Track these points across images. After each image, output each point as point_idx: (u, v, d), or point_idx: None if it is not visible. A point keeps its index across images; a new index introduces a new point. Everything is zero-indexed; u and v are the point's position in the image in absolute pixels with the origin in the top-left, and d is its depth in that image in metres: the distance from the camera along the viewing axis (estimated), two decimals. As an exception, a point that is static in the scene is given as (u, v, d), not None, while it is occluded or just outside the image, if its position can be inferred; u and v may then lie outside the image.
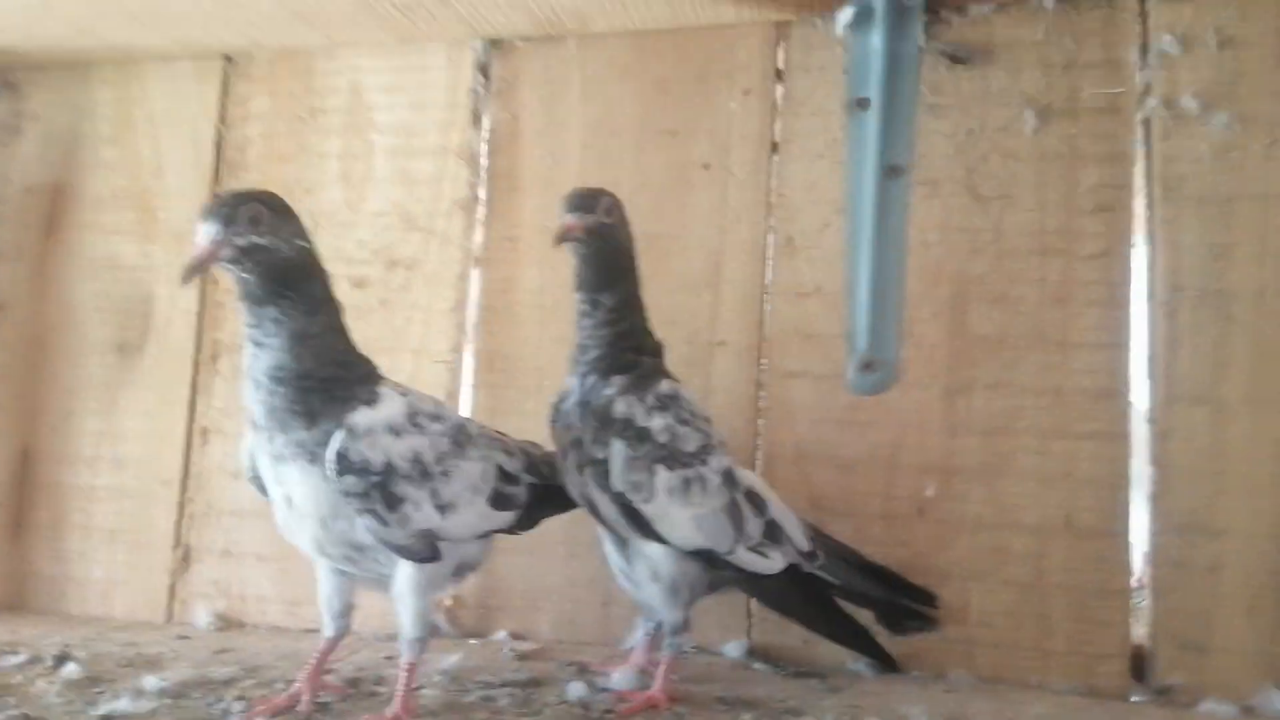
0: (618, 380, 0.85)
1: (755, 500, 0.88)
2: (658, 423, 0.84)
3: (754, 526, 0.87)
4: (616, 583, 0.95)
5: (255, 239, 0.76)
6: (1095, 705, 0.92)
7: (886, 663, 0.98)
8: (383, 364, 1.11)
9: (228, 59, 1.27)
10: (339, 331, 0.82)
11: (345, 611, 0.88)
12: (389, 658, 0.97)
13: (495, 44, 1.20)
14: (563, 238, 0.85)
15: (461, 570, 0.89)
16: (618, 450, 0.83)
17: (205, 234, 0.76)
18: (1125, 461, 1.00)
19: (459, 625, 1.12)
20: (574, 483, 0.87)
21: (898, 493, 1.05)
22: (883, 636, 0.98)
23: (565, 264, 1.12)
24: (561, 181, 1.16)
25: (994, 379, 1.04)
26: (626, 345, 0.86)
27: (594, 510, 0.87)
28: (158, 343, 1.23)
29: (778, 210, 1.12)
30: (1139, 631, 0.99)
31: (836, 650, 1.01)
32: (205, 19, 1.17)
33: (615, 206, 0.87)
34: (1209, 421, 0.99)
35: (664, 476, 0.83)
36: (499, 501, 0.86)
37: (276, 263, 0.77)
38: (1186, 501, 0.98)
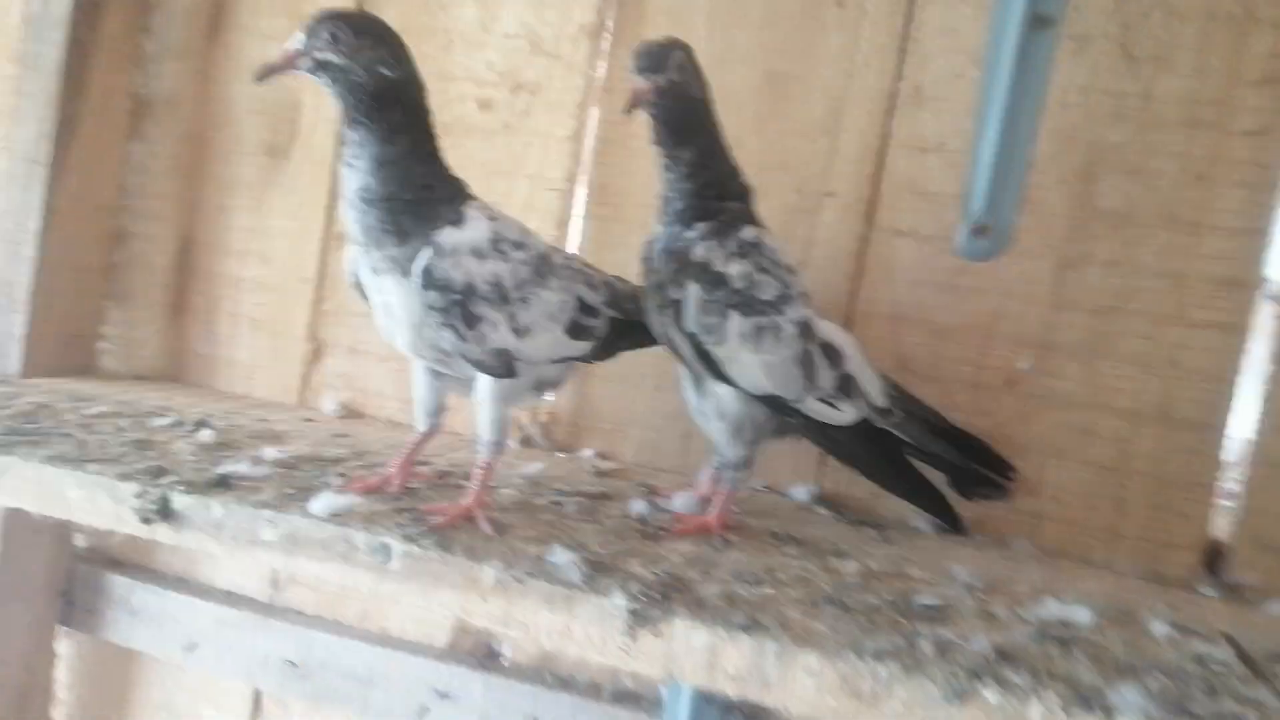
0: (700, 226, 0.86)
1: (831, 353, 0.89)
2: (735, 269, 0.85)
3: (826, 378, 0.88)
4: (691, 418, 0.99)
5: (331, 56, 0.81)
6: (1156, 590, 0.91)
7: (952, 523, 0.99)
8: (499, 188, 1.19)
9: None
10: (423, 157, 0.85)
11: (436, 410, 0.96)
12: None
13: None
14: (633, 104, 0.85)
15: (540, 387, 0.95)
16: (693, 292, 0.85)
17: (291, 41, 0.81)
18: (1238, 355, 0.96)
19: (551, 439, 1.20)
20: (656, 322, 0.90)
21: (990, 362, 1.03)
22: (953, 499, 0.99)
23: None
24: (687, 14, 1.15)
25: (1112, 255, 0.99)
26: (710, 194, 0.87)
27: (674, 349, 0.90)
28: (303, 148, 1.31)
29: (910, 56, 1.07)
30: (1219, 527, 0.96)
31: (903, 506, 1.02)
32: None
33: (686, 60, 0.86)
34: (1341, 323, 0.92)
35: (736, 321, 0.85)
36: (576, 331, 0.90)
37: (352, 84, 0.81)
38: (1297, 404, 0.93)
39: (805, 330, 0.88)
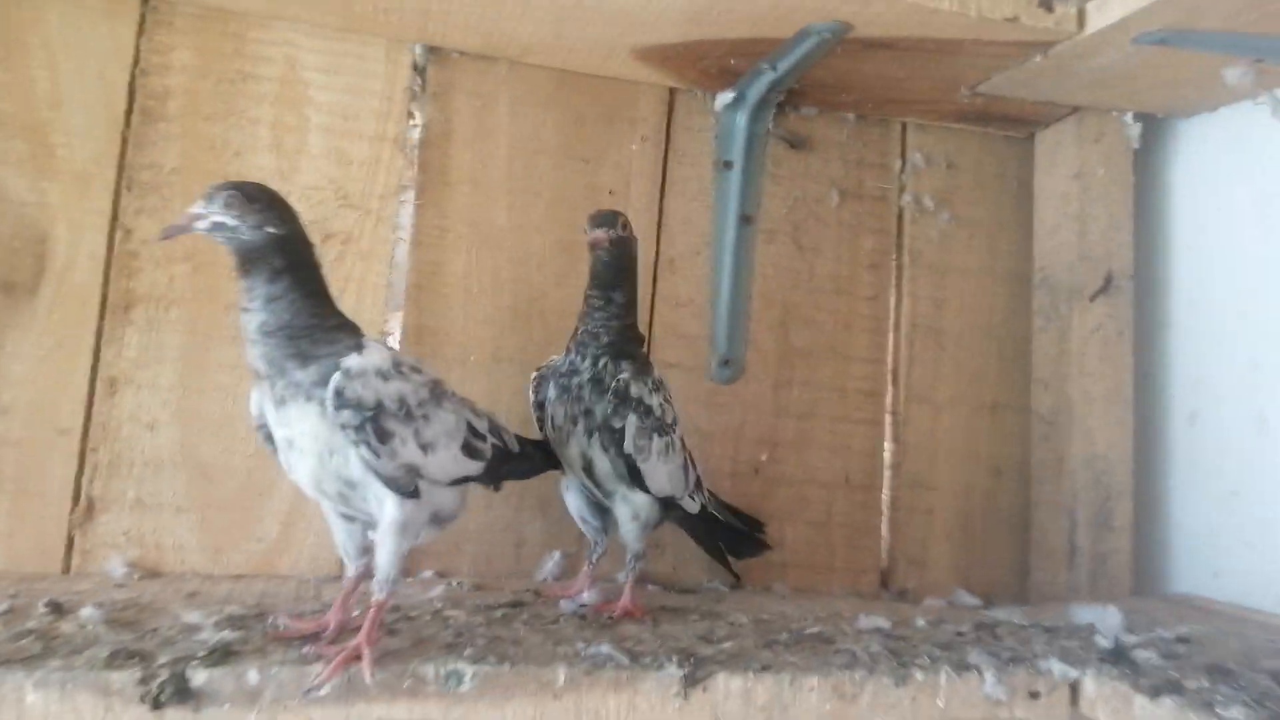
0: (627, 366, 1.11)
1: (692, 460, 1.19)
2: (655, 401, 1.11)
3: (691, 479, 1.18)
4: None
5: (226, 219, 0.91)
6: (865, 603, 1.36)
7: (735, 580, 1.34)
8: (316, 329, 1.23)
9: (145, 2, 1.24)
10: (310, 293, 0.94)
11: (360, 551, 1.02)
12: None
13: (434, 51, 1.34)
14: (593, 247, 1.09)
15: (438, 519, 1.04)
16: (632, 422, 1.09)
17: (194, 205, 0.92)
18: (881, 439, 1.48)
19: (388, 565, 1.27)
20: (576, 444, 1.11)
21: (741, 456, 1.42)
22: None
23: (491, 255, 1.35)
24: (489, 183, 1.36)
25: (804, 378, 1.46)
26: (631, 335, 1.13)
27: (586, 467, 1.12)
28: (55, 284, 1.18)
29: (663, 236, 1.42)
30: (884, 555, 1.48)
31: (695, 573, 1.35)
32: None
33: (628, 223, 1.12)
34: (929, 415, 1.50)
35: (656, 442, 1.11)
36: (470, 451, 1.02)
37: (242, 241, 0.92)
38: (913, 466, 1.49)
39: (683, 444, 1.17)
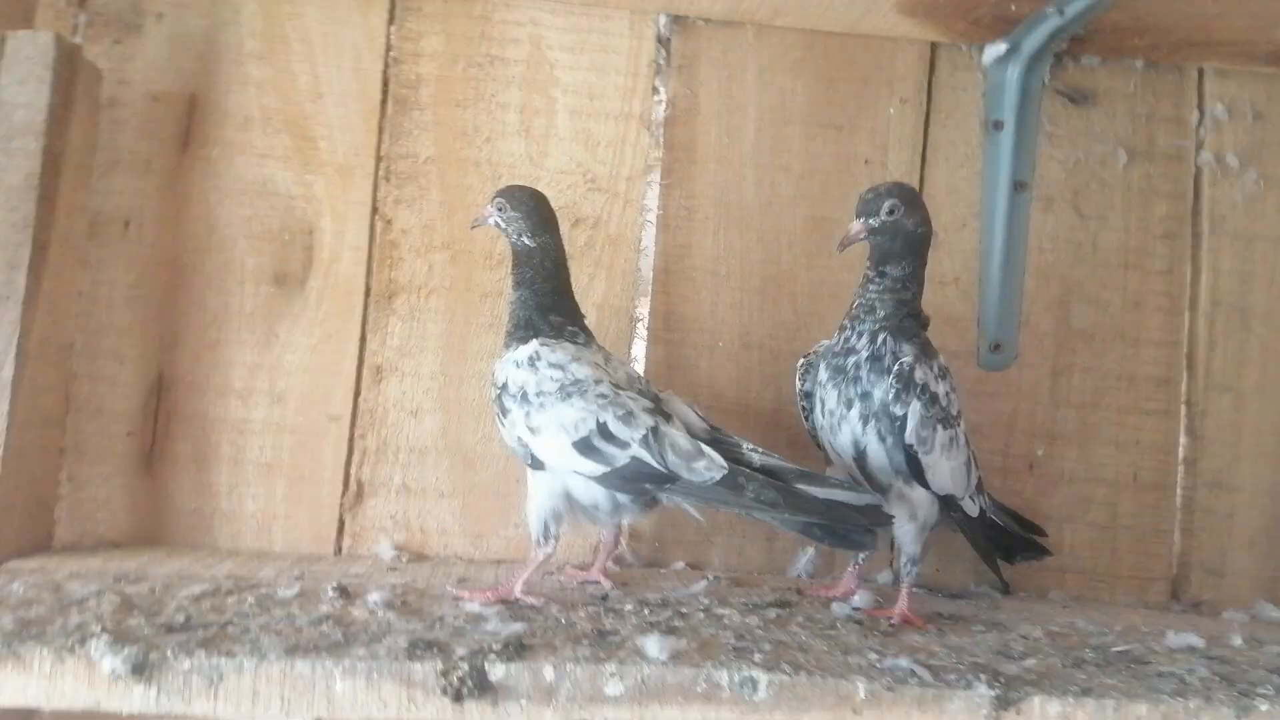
0: (909, 348, 1.01)
1: (975, 459, 1.08)
2: (941, 388, 1.02)
3: (974, 479, 1.07)
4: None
5: (497, 220, 1.07)
6: (1157, 615, 1.20)
7: (1005, 586, 1.22)
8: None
9: (395, -10, 1.25)
10: (528, 303, 1.06)
11: (547, 533, 1.03)
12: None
13: (678, 20, 1.28)
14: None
15: (576, 505, 1.03)
16: (915, 409, 0.99)
17: (486, 209, 1.08)
18: (1176, 433, 1.31)
19: (639, 556, 1.23)
20: (849, 430, 1.03)
21: (1014, 451, 1.29)
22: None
23: (739, 235, 1.28)
24: (737, 159, 1.29)
25: (1087, 364, 1.31)
26: (911, 312, 1.04)
27: (859, 457, 1.03)
28: (322, 277, 1.21)
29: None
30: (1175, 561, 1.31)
31: (960, 576, 1.24)
32: None
33: (898, 204, 1.02)
34: (1232, 405, 1.31)
35: (941, 434, 1.01)
36: (586, 449, 0.99)
37: (510, 242, 1.08)
38: (1213, 464, 1.31)
39: (968, 440, 1.06)
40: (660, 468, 0.98)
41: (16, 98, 1.04)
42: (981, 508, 1.11)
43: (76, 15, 1.21)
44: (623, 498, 1.03)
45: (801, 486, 0.99)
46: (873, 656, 0.87)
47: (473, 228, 1.11)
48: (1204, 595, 1.29)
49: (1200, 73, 1.35)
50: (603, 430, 0.99)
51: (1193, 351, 1.32)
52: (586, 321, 1.09)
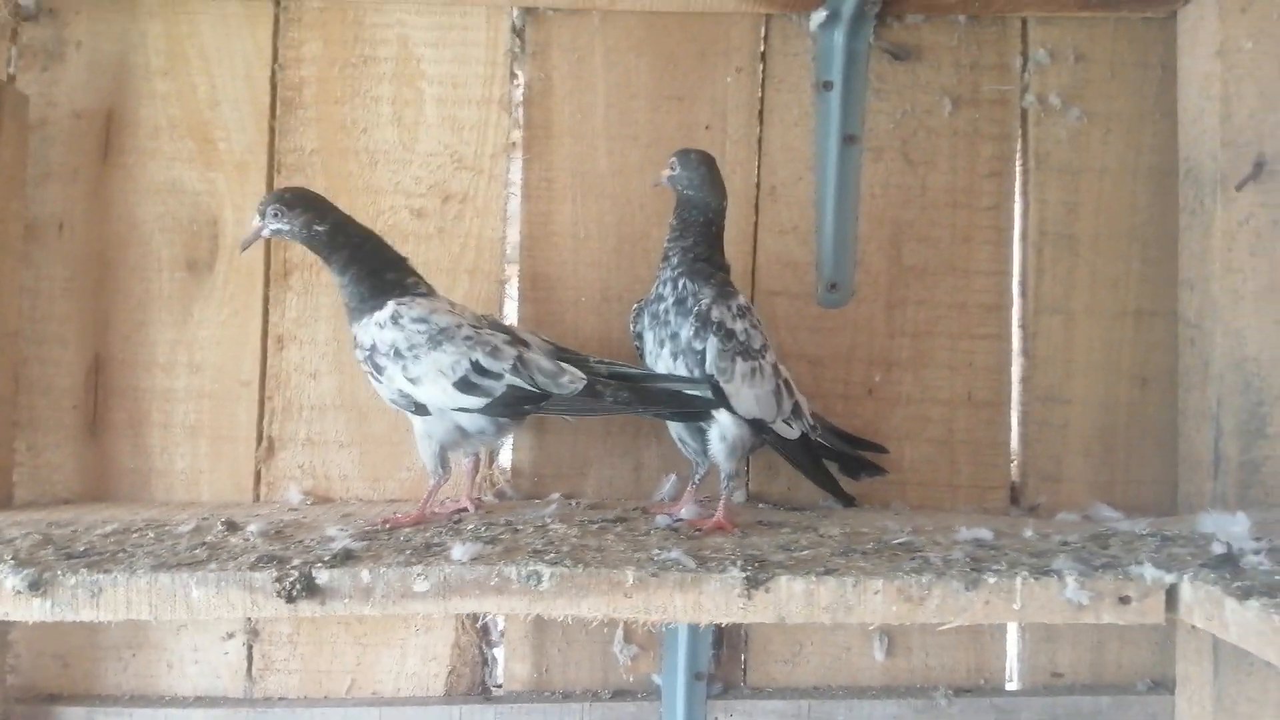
0: (708, 291, 1.16)
1: (788, 387, 1.22)
2: (739, 326, 1.16)
3: (787, 405, 1.21)
4: (673, 447, 1.28)
5: (281, 225, 1.18)
6: (993, 518, 1.33)
7: (847, 500, 1.36)
8: (443, 281, 1.37)
9: (277, 3, 1.41)
10: (361, 277, 1.18)
11: (443, 464, 1.21)
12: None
13: (529, 11, 1.43)
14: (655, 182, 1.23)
15: (467, 435, 1.20)
16: (712, 344, 1.14)
17: (254, 220, 1.19)
18: (1008, 355, 1.43)
19: (519, 490, 1.40)
20: (664, 367, 1.19)
21: (854, 379, 1.42)
22: (844, 482, 1.36)
23: (595, 202, 1.43)
24: (589, 133, 1.43)
25: (920, 297, 1.43)
26: (694, 257, 1.19)
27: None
28: (227, 261, 1.39)
29: (763, 165, 1.44)
30: (1014, 470, 1.44)
31: (811, 492, 1.38)
32: None
33: (676, 163, 1.22)
34: (1062, 326, 1.43)
35: (740, 365, 1.15)
36: (466, 387, 1.15)
37: (301, 240, 1.19)
38: (1046, 380, 1.43)
39: (775, 370, 1.20)
40: (533, 389, 1.15)
41: (-52, 127, 1.23)
42: (804, 431, 1.25)
43: (9, 49, 1.40)
44: (503, 420, 1.20)
45: (646, 384, 1.18)
46: (655, 553, 1.03)
47: (245, 248, 1.22)
48: (1041, 499, 1.42)
49: (1024, 22, 1.45)
50: (476, 367, 1.15)
51: (1025, 279, 1.44)
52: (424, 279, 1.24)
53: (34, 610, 0.94)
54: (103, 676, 1.35)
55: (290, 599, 0.95)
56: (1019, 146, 1.45)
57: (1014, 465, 1.44)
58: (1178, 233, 1.40)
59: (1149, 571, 0.97)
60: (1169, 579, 0.96)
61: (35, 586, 0.94)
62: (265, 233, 1.18)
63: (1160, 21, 1.44)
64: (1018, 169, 1.45)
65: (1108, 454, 1.43)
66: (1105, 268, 1.44)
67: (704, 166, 1.21)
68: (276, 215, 1.17)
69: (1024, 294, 1.44)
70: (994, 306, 1.44)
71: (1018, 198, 1.45)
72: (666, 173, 1.22)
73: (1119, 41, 1.45)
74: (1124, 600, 0.97)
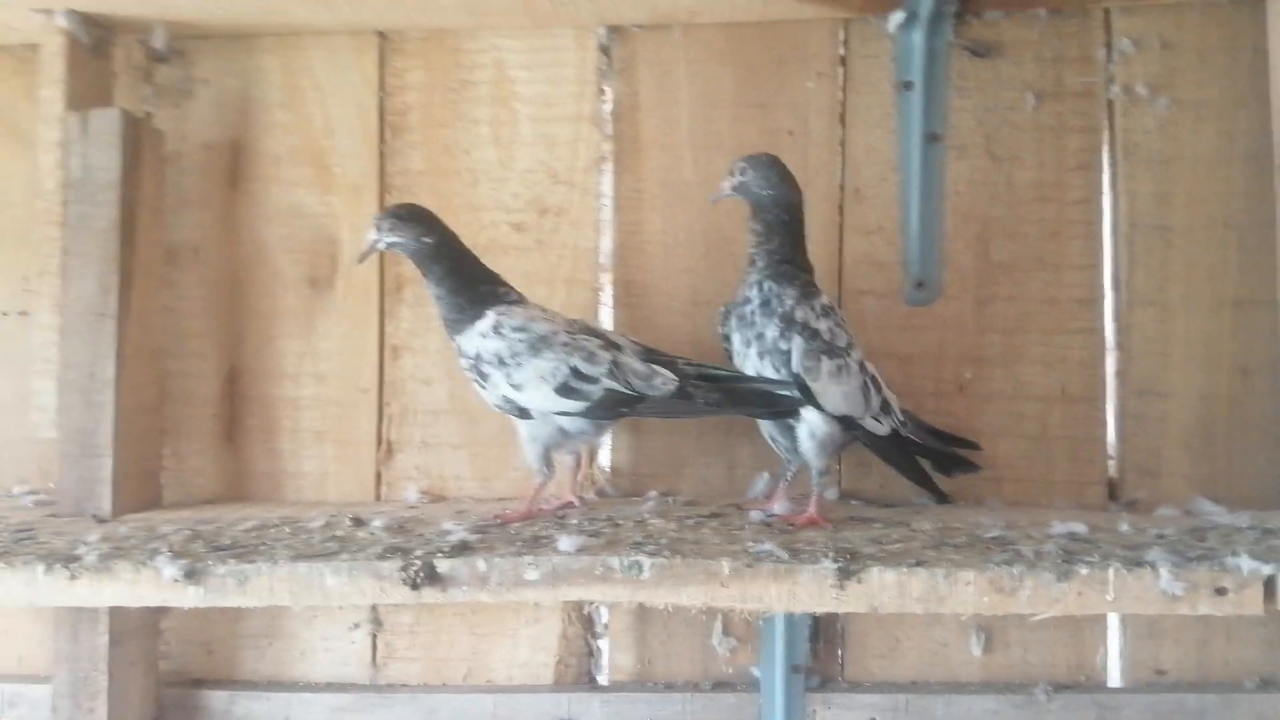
0: (791, 292, 1.21)
1: (876, 384, 1.26)
2: (823, 325, 1.20)
3: (875, 402, 1.24)
4: (765, 446, 1.32)
5: (396, 238, 1.24)
6: (1089, 514, 1.33)
7: (941, 497, 1.38)
8: (541, 290, 1.45)
9: (381, 35, 1.51)
10: (459, 289, 1.25)
11: (547, 464, 1.28)
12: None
13: (615, 30, 1.49)
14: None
15: (569, 436, 1.26)
16: (797, 344, 1.19)
17: (369, 233, 1.26)
18: (1101, 349, 1.43)
19: (618, 488, 1.46)
20: (752, 367, 1.23)
21: (944, 376, 1.44)
22: (938, 479, 1.38)
23: (683, 210, 1.48)
24: (675, 144, 1.49)
25: (1009, 293, 1.44)
26: (779, 259, 1.23)
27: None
28: (345, 278, 1.50)
29: (847, 167, 1.47)
30: (1112, 467, 1.43)
31: (904, 490, 1.40)
32: (361, 2, 1.41)
33: (746, 168, 1.25)
34: (1157, 319, 1.42)
35: (826, 363, 1.19)
36: (566, 392, 1.21)
37: (411, 250, 1.25)
38: (1142, 374, 1.42)
39: (863, 367, 1.24)
40: (629, 392, 1.22)
41: (97, 162, 1.36)
42: (894, 428, 1.28)
43: (145, 89, 1.54)
44: (602, 421, 1.27)
45: (734, 385, 1.24)
46: (749, 545, 1.07)
47: (361, 260, 1.29)
48: (1139, 495, 1.41)
49: (1106, 13, 1.45)
50: (575, 372, 1.22)
51: (1117, 271, 1.44)
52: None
53: (189, 596, 1.05)
54: (243, 663, 1.47)
55: (415, 586, 1.03)
56: (1106, 138, 1.45)
57: (1111, 461, 1.43)
58: (1276, 220, 1.38)
59: (1245, 563, 0.97)
60: (1267, 570, 0.96)
61: (190, 575, 1.04)
62: (380, 245, 1.25)
63: (1250, 5, 1.41)
64: (1105, 161, 1.45)
65: (1208, 447, 1.41)
66: (1201, 258, 1.42)
67: (775, 165, 1.25)
68: (392, 229, 1.24)
69: (1116, 287, 1.44)
70: (1086, 300, 1.44)
71: (1106, 190, 1.45)
72: (732, 181, 1.25)
73: (1207, 27, 1.43)
74: (1220, 591, 0.97)
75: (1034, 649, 1.42)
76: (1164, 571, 0.98)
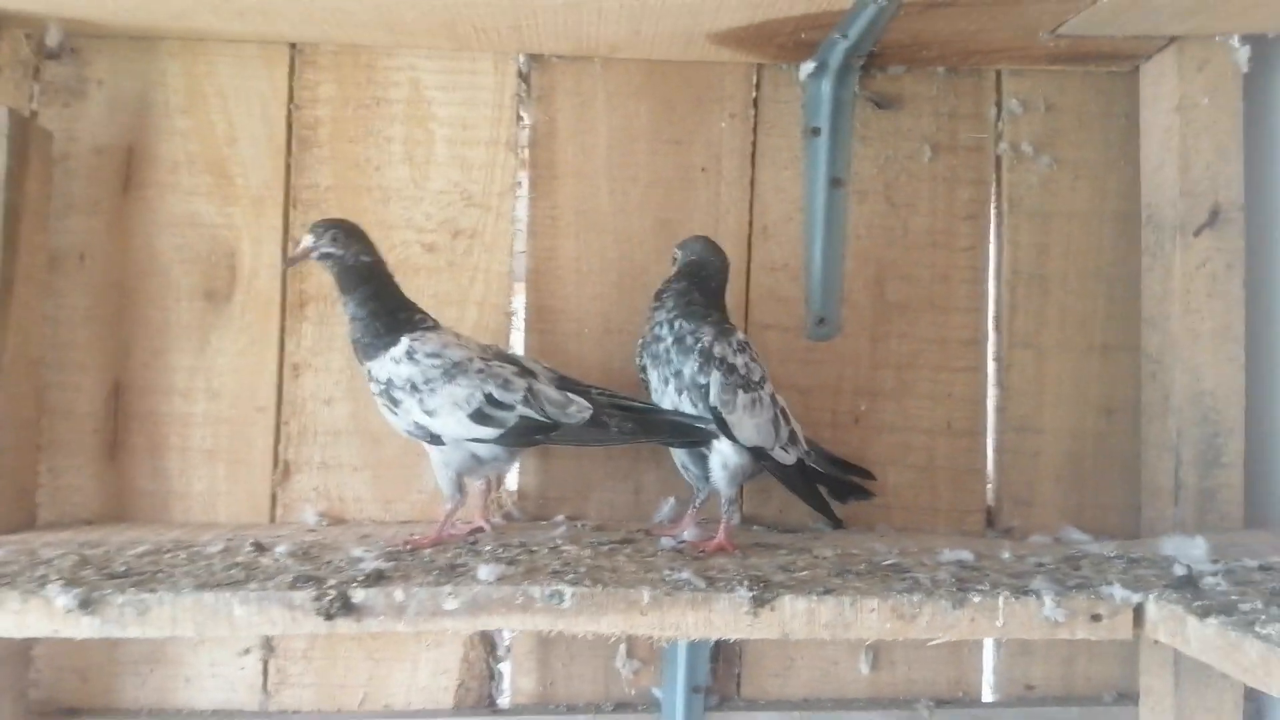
0: (707, 329, 1.24)
1: (785, 415, 1.31)
2: (739, 360, 1.24)
3: (784, 433, 1.30)
4: (671, 471, 1.35)
5: (333, 249, 1.22)
6: (971, 540, 1.42)
7: (837, 523, 1.44)
8: (452, 312, 1.45)
9: (293, 47, 1.48)
10: (379, 313, 1.24)
11: (459, 489, 1.28)
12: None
13: (535, 58, 1.50)
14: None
15: (481, 462, 1.27)
16: (715, 379, 1.22)
17: (305, 239, 1.23)
18: (984, 386, 1.53)
19: (525, 512, 1.47)
20: (669, 402, 1.26)
21: (841, 408, 1.51)
22: (833, 505, 1.44)
23: (597, 238, 1.51)
24: (591, 173, 1.51)
25: (902, 331, 1.53)
26: (688, 300, 1.29)
27: (676, 420, 1.26)
28: (244, 292, 1.45)
29: (756, 205, 1.53)
30: (990, 495, 1.53)
31: (801, 515, 1.46)
32: (277, 15, 1.37)
33: (680, 248, 1.33)
34: (1033, 360, 1.53)
35: (741, 397, 1.24)
36: (480, 418, 1.22)
37: (340, 268, 1.23)
38: (1020, 410, 1.53)
39: (774, 400, 1.29)
40: (545, 419, 1.22)
41: (-22, 162, 1.28)
42: (800, 457, 1.33)
43: (32, 86, 1.45)
44: (515, 449, 1.28)
45: (648, 415, 1.26)
46: (666, 573, 1.10)
47: (290, 264, 1.33)
48: (1014, 523, 1.52)
49: (998, 74, 1.56)
50: (490, 399, 1.21)
51: (999, 315, 1.54)
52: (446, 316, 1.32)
53: (83, 628, 0.99)
54: (121, 691, 1.39)
55: (329, 617, 1.01)
56: (994, 191, 1.56)
57: (989, 490, 1.53)
58: (1141, 274, 1.51)
59: (1118, 592, 1.06)
60: (1136, 598, 1.05)
61: (85, 605, 0.99)
62: (314, 255, 1.22)
63: (1125, 75, 1.55)
64: (992, 212, 1.55)
65: (1076, 480, 1.53)
66: (1074, 306, 1.54)
67: (702, 239, 1.34)
68: (333, 240, 1.22)
69: (998, 329, 1.54)
70: (971, 341, 1.53)
71: (992, 239, 1.55)
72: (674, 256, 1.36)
73: (1086, 93, 1.56)
74: (1096, 618, 1.06)
75: (917, 667, 1.50)
76: (1048, 600, 1.05)
